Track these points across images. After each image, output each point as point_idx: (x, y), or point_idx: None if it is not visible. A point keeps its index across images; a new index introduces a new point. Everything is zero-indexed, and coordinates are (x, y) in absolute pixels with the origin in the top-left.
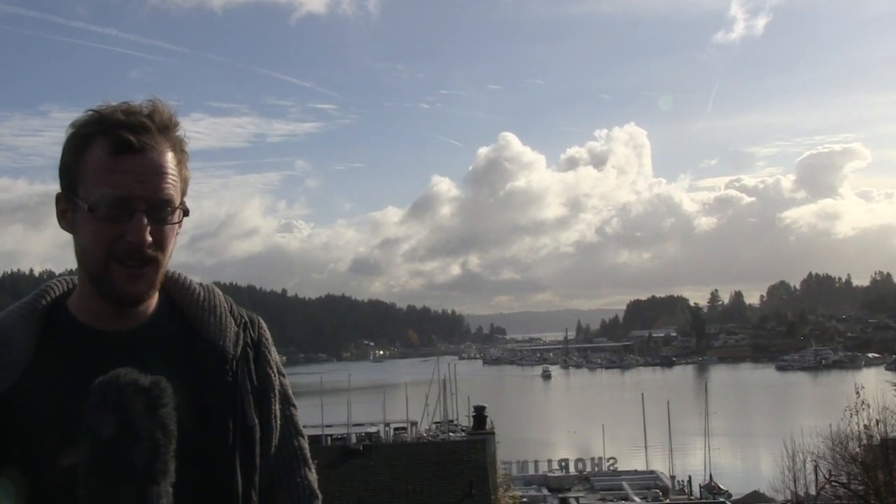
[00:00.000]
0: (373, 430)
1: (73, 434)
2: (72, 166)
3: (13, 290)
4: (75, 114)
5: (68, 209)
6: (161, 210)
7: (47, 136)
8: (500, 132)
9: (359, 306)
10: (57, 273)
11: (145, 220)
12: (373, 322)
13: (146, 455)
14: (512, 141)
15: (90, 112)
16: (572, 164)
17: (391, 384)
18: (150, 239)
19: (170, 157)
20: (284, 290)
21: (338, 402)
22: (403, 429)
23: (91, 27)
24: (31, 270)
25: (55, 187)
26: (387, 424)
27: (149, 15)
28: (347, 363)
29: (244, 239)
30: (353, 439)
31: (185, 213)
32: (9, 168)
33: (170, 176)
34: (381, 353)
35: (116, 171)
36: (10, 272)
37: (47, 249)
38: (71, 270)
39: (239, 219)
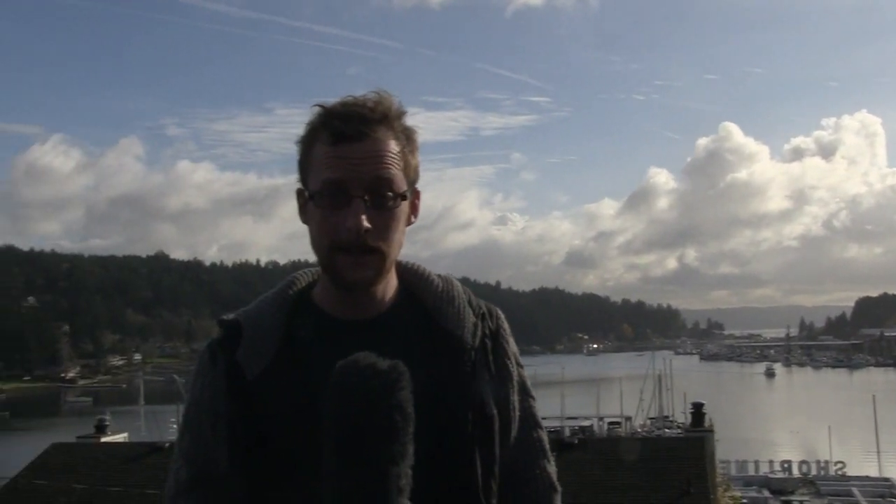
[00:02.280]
0: (586, 423)
1: (317, 417)
2: (303, 161)
3: (241, 280)
4: (298, 110)
5: (304, 202)
6: (380, 194)
7: (272, 132)
8: (719, 123)
9: (572, 299)
10: (281, 264)
11: (362, 206)
12: (586, 315)
13: (385, 436)
14: (733, 131)
15: (315, 107)
16: (797, 154)
17: (605, 378)
18: (367, 225)
19: (391, 145)
20: (498, 283)
21: (551, 394)
22: (618, 423)
23: (313, 27)
24: (258, 261)
25: (281, 181)
26: (600, 418)
27: (370, 14)
28: (560, 356)
29: (460, 231)
30: (567, 432)
31: (403, 196)
32: (239, 163)
33: (388, 160)
34: (595, 346)
35: (334, 159)
36: (238, 262)
37: (273, 241)
38: (295, 262)
39: (455, 211)
